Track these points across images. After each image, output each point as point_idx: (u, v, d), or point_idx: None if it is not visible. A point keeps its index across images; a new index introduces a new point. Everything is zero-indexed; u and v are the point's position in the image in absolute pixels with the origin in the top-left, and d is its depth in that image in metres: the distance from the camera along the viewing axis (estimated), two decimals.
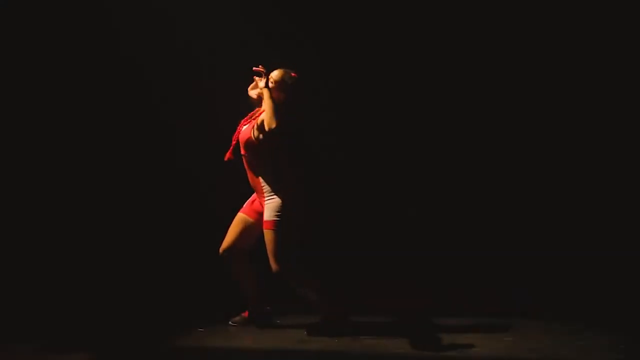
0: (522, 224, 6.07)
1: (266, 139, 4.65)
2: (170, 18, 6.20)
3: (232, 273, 4.96)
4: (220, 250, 4.94)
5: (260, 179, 4.76)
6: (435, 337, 4.65)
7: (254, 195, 4.89)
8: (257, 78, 4.79)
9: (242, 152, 4.80)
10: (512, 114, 6.11)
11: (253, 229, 4.84)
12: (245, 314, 5.04)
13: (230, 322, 5.05)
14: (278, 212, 4.67)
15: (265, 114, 4.64)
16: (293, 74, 4.78)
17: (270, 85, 4.72)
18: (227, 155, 4.86)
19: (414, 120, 6.24)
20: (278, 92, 4.70)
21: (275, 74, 4.77)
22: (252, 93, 4.83)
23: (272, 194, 4.72)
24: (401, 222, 6.22)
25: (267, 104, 4.62)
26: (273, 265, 4.67)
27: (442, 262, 6.07)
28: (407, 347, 4.44)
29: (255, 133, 4.69)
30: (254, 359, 4.47)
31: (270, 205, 4.71)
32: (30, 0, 6.11)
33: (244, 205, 4.96)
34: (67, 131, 6.24)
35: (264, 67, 4.71)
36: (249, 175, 4.82)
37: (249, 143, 4.74)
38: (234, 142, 4.85)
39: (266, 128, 4.60)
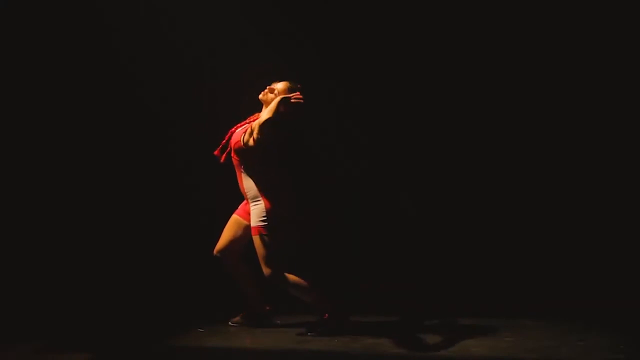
0: (521, 223, 6.06)
1: (255, 144, 4.65)
2: (170, 18, 6.20)
3: (229, 274, 4.98)
4: (215, 251, 4.97)
5: (245, 184, 4.78)
6: (435, 337, 4.65)
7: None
8: (268, 87, 4.81)
9: (232, 155, 4.82)
10: (512, 114, 6.10)
11: (247, 231, 4.85)
12: (245, 314, 5.04)
13: (230, 322, 5.06)
14: (263, 217, 4.70)
15: (261, 116, 4.66)
16: (297, 92, 4.77)
17: (272, 94, 4.74)
18: (217, 153, 4.88)
19: (414, 119, 6.23)
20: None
21: (280, 85, 4.78)
22: (263, 98, 4.83)
23: (257, 199, 4.73)
24: (401, 222, 6.21)
25: (269, 108, 4.63)
26: (264, 269, 4.69)
27: (442, 262, 6.06)
28: (407, 347, 4.44)
29: (245, 138, 4.71)
30: (254, 359, 4.47)
31: (255, 210, 4.74)
32: (31, 2, 6.12)
33: (239, 207, 4.98)
34: (65, 132, 6.24)
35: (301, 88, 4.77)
36: (237, 178, 4.84)
37: (238, 147, 4.75)
38: (223, 143, 4.86)
39: (255, 128, 4.61)
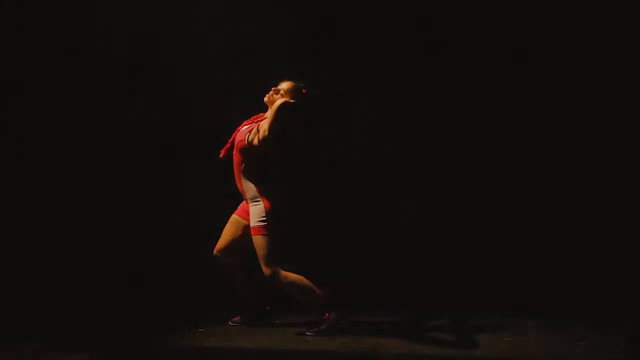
0: (521, 223, 6.07)
1: (259, 144, 4.65)
2: (171, 18, 6.21)
3: (229, 273, 4.98)
4: (214, 251, 4.97)
5: (244, 184, 4.78)
6: (435, 337, 4.65)
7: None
8: (273, 89, 4.82)
9: (235, 152, 4.82)
10: (511, 114, 6.11)
11: (246, 231, 4.85)
12: (245, 314, 5.04)
13: (230, 322, 5.06)
14: (262, 217, 4.70)
15: (267, 120, 4.66)
16: (304, 90, 4.79)
17: (277, 95, 4.76)
18: (222, 153, 4.90)
19: (413, 119, 6.24)
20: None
21: (285, 85, 4.80)
22: (269, 100, 4.84)
23: (256, 199, 4.74)
24: (401, 222, 6.21)
25: (269, 115, 4.64)
26: (264, 269, 4.69)
27: (442, 262, 6.06)
28: (407, 347, 4.44)
29: (251, 137, 4.71)
30: (254, 359, 4.47)
31: (254, 210, 4.74)
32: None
33: (238, 207, 4.99)
34: (65, 131, 6.24)
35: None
36: (236, 178, 4.84)
37: (242, 146, 4.75)
38: (230, 141, 4.87)
39: (261, 128, 4.62)
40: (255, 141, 4.68)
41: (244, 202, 4.93)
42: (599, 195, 5.97)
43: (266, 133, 4.60)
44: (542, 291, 5.61)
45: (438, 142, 6.21)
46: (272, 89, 4.83)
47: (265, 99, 4.84)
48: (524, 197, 6.10)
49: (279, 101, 4.64)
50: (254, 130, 4.73)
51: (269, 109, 4.81)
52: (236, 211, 5.00)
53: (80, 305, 5.56)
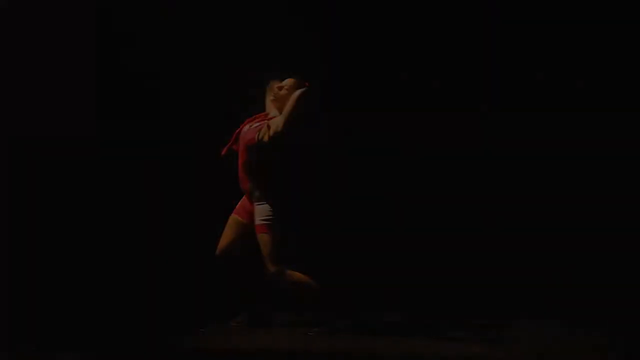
0: (520, 222, 6.07)
1: (270, 141, 4.66)
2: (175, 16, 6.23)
3: (230, 273, 4.98)
4: (216, 252, 4.97)
5: (250, 182, 4.78)
6: (435, 337, 4.65)
7: (245, 196, 4.91)
8: (277, 86, 4.83)
9: (241, 151, 4.81)
10: (509, 116, 6.13)
11: (246, 230, 4.86)
12: (245, 314, 5.05)
13: (230, 322, 5.06)
14: (267, 216, 4.70)
15: (282, 114, 4.66)
16: (307, 83, 4.81)
17: (282, 91, 4.76)
18: (224, 151, 4.90)
19: (414, 118, 6.24)
20: (287, 98, 4.72)
21: (288, 82, 4.82)
22: (275, 97, 4.85)
23: (261, 198, 4.74)
24: (401, 223, 6.21)
25: (289, 106, 4.63)
26: (269, 267, 4.70)
27: (441, 262, 6.06)
28: (408, 347, 4.44)
29: (261, 134, 4.71)
30: (254, 359, 4.47)
31: (259, 209, 4.74)
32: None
33: (237, 207, 4.98)
34: (66, 130, 6.23)
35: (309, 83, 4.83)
36: (240, 176, 4.84)
37: (251, 144, 4.75)
38: (232, 140, 4.87)
39: (272, 128, 4.63)
40: (266, 138, 4.68)
41: (242, 201, 4.93)
42: (598, 195, 5.97)
43: (279, 128, 4.62)
44: (542, 291, 5.61)
45: (438, 142, 6.21)
46: (276, 86, 4.83)
47: (271, 97, 4.85)
48: (524, 196, 6.10)
49: (299, 91, 4.65)
50: (264, 128, 4.73)
51: (273, 107, 4.81)
52: (235, 211, 4.99)
53: (80, 305, 5.56)
